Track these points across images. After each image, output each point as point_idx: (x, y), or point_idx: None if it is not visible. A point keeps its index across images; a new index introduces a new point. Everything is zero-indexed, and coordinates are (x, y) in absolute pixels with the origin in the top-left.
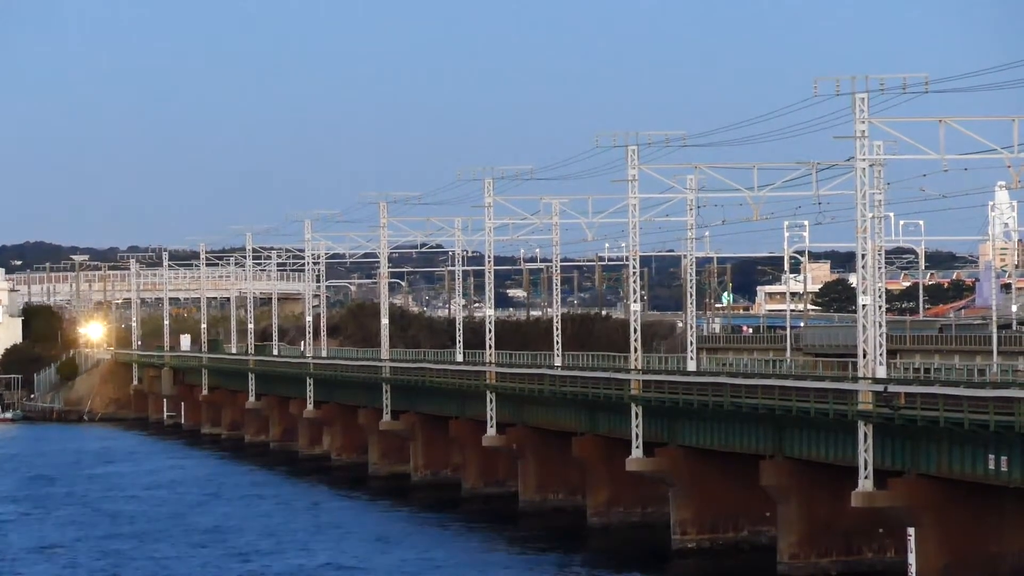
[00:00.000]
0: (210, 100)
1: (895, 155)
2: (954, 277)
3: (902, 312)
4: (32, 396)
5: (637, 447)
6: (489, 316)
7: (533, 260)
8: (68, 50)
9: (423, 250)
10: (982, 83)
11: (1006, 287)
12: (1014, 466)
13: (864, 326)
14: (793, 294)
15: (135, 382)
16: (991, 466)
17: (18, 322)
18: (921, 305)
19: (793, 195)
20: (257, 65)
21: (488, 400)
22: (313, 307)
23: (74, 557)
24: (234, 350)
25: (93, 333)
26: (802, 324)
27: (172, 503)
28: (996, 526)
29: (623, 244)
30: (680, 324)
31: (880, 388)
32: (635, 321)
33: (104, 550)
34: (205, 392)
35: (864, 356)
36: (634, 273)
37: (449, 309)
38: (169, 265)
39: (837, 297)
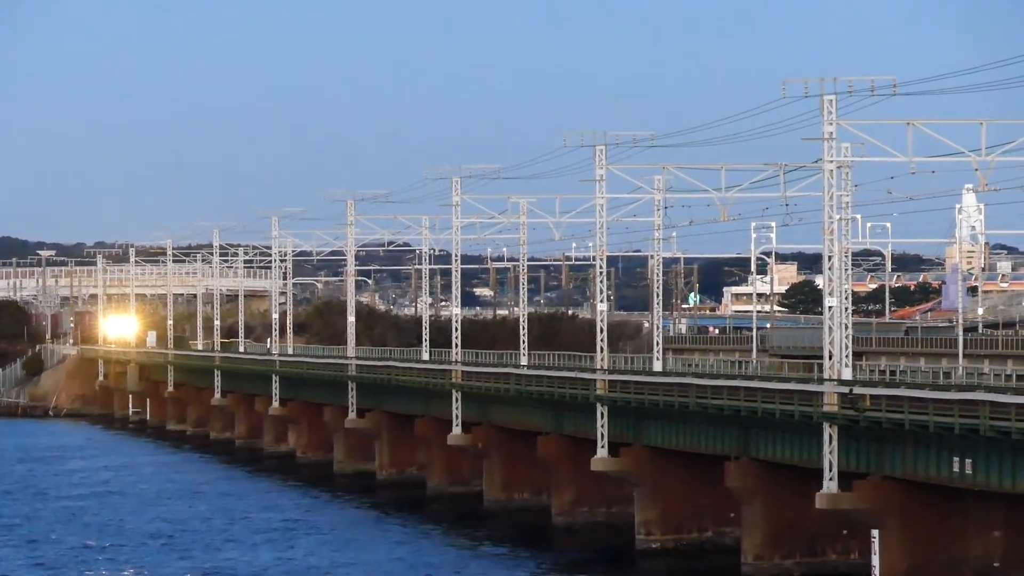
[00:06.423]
0: (177, 96)
1: (863, 157)
2: (920, 279)
3: (868, 314)
4: None
5: (602, 447)
6: (456, 315)
7: (500, 259)
8: (33, 47)
9: (390, 248)
10: (950, 86)
11: (972, 290)
12: (978, 469)
13: (830, 328)
14: (759, 295)
15: (100, 378)
16: (955, 469)
17: None
18: (887, 307)
19: (760, 196)
20: (224, 62)
21: (454, 399)
22: (280, 304)
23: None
24: (200, 347)
25: (119, 328)
26: (768, 325)
27: (115, 501)
28: (960, 529)
29: (590, 244)
30: (646, 324)
31: (845, 390)
32: (601, 321)
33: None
34: (171, 389)
35: (830, 358)
36: (601, 273)
37: (416, 307)
38: (136, 261)
39: (804, 298)
